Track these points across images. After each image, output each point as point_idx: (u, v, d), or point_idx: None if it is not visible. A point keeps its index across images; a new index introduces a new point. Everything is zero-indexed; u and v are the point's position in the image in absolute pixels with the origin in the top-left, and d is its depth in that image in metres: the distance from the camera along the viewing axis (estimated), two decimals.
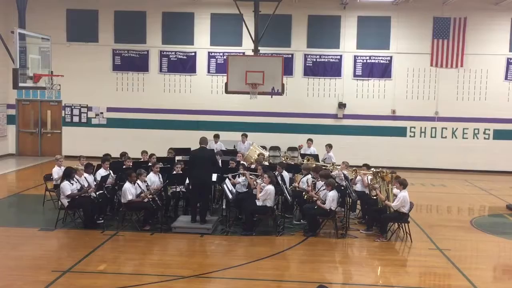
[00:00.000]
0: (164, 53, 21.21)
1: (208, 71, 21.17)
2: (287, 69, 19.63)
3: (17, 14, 14.10)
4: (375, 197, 11.99)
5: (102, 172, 12.53)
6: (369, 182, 12.39)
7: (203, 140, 11.96)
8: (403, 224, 11.36)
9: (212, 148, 16.52)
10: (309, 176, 12.54)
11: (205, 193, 11.75)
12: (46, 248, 10.35)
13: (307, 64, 21.01)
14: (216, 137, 17.65)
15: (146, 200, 11.40)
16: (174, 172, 12.57)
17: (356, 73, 20.93)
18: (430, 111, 20.89)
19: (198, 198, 11.69)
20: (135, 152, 15.15)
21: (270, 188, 11.35)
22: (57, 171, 12.99)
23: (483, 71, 20.65)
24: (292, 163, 15.30)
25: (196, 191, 11.72)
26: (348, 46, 20.82)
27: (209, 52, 21.08)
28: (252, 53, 16.75)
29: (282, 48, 20.51)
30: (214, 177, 12.05)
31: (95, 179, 12.25)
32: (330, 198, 11.19)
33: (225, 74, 16.20)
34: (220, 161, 14.29)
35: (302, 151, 17.20)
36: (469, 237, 11.97)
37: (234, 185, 12.45)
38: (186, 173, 12.31)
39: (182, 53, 21.18)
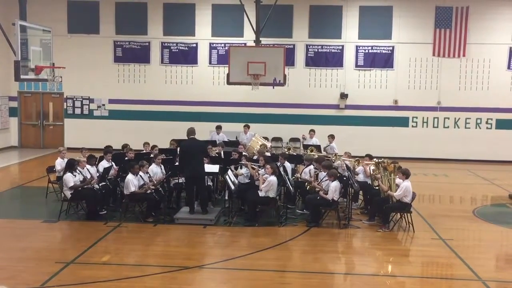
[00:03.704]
0: (166, 44, 21.15)
1: (210, 62, 21.12)
2: (289, 59, 19.60)
3: (18, 6, 14.06)
4: (377, 187, 11.99)
5: (104, 164, 12.55)
6: (372, 172, 12.39)
7: (192, 131, 11.90)
8: (405, 214, 11.36)
9: (214, 139, 16.60)
10: (312, 166, 12.54)
11: (200, 184, 11.75)
12: (49, 239, 10.38)
13: (308, 55, 20.95)
14: (218, 128, 17.67)
15: (148, 191, 11.42)
16: (176, 164, 12.57)
17: (358, 63, 20.86)
18: (432, 101, 20.84)
19: (195, 189, 11.72)
20: (137, 143, 15.13)
21: (273, 179, 11.36)
22: (60, 163, 13.00)
23: (486, 61, 20.56)
24: (294, 153, 15.30)
25: (190, 183, 11.75)
26: (350, 36, 20.74)
27: (210, 43, 21.02)
28: (253, 44, 16.69)
29: (284, 39, 20.43)
30: (207, 167, 12.02)
31: (97, 171, 12.26)
32: (333, 188, 11.20)
33: (227, 65, 16.13)
34: (222, 152, 14.32)
35: (304, 142, 17.19)
36: (471, 226, 11.98)
37: (236, 176, 12.46)
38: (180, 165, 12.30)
39: (183, 44, 21.12)
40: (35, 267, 8.68)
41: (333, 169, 11.66)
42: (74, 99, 21.65)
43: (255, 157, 13.37)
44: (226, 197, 12.53)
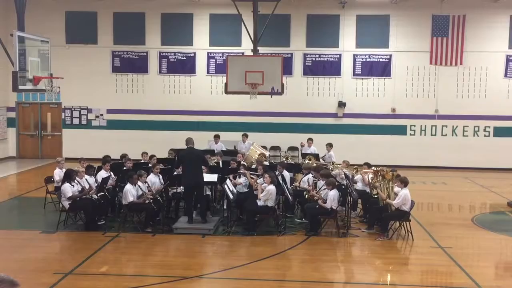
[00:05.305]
0: (164, 54, 21.21)
1: (208, 72, 21.17)
2: (287, 68, 19.62)
3: (16, 16, 14.11)
4: (376, 196, 11.99)
5: (103, 174, 12.53)
6: (370, 180, 12.38)
7: (190, 141, 11.94)
8: (404, 222, 11.34)
9: (212, 148, 16.60)
10: (310, 175, 12.55)
11: (199, 193, 11.76)
12: (47, 250, 10.35)
13: (306, 64, 21.01)
14: (217, 137, 17.66)
15: (147, 201, 11.40)
16: (175, 173, 12.57)
17: (356, 72, 20.93)
18: (430, 109, 20.89)
19: (194, 198, 11.72)
20: (136, 153, 15.14)
21: (271, 188, 11.35)
22: (58, 173, 12.98)
23: (483, 69, 20.65)
24: (293, 162, 15.31)
25: (189, 192, 11.75)
26: (347, 45, 20.82)
27: (208, 53, 21.08)
28: (251, 53, 16.73)
29: (282, 48, 20.50)
30: (206, 176, 12.03)
31: (96, 181, 12.25)
32: (331, 197, 11.19)
33: (225, 75, 16.18)
34: (220, 162, 14.32)
35: (302, 151, 17.20)
36: (470, 234, 11.97)
37: (235, 185, 12.45)
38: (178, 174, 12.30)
39: (181, 54, 21.18)
40: (33, 278, 8.63)
41: (331, 178, 11.66)
42: (72, 109, 21.66)
43: (253, 166, 13.37)
44: (225, 207, 12.51)
